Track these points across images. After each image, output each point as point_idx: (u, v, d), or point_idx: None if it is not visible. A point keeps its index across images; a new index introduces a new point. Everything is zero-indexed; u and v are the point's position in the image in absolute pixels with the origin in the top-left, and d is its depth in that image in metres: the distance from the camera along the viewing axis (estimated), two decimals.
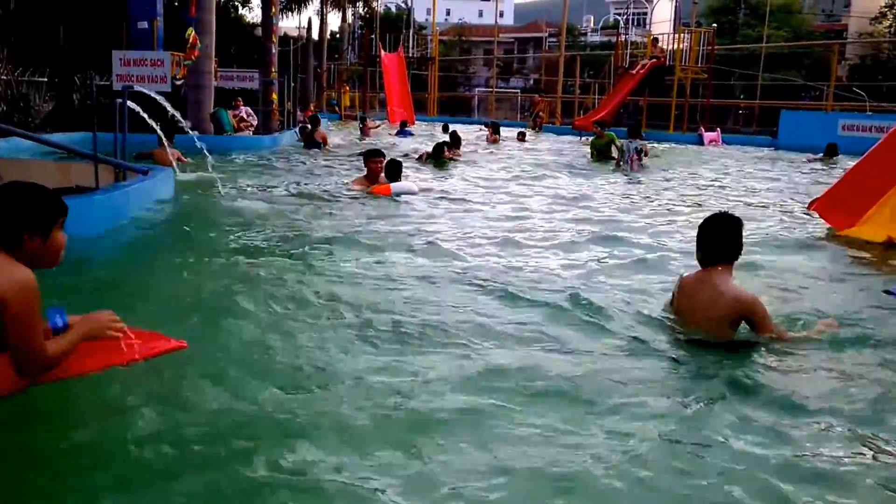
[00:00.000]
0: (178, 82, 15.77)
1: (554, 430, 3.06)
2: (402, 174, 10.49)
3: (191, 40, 16.64)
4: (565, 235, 7.66)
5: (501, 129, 23.94)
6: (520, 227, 8.01)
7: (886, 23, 57.43)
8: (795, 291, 5.50)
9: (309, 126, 19.15)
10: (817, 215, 8.83)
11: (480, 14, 77.42)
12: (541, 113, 34.14)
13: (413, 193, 9.96)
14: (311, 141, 17.80)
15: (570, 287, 5.26)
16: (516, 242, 7.14)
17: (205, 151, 10.09)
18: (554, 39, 54.73)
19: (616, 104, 29.73)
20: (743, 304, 4.10)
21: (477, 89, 49.77)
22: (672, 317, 4.43)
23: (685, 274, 4.52)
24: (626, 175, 14.35)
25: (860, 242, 7.58)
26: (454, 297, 4.99)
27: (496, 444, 2.91)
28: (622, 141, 15.81)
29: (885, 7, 58.54)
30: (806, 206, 9.65)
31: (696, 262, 4.39)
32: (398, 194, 9.73)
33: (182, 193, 9.07)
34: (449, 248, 6.61)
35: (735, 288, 4.18)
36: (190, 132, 11.21)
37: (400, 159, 10.86)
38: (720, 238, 4.25)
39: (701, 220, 4.40)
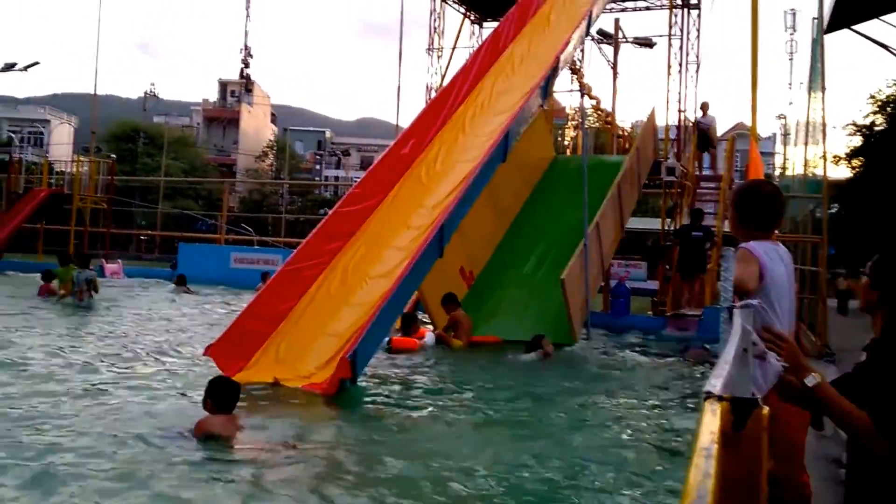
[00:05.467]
0: None
1: None
2: None
3: None
4: None
5: None
6: None
7: (269, 161, 65.58)
8: None
9: None
10: (213, 362, 9.10)
11: None
12: None
13: None
14: None
15: None
16: None
17: None
18: None
19: (10, 230, 27.97)
20: None
21: None
22: None
23: None
24: (77, 305, 15.27)
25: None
26: None
27: None
28: (75, 271, 16.08)
29: (267, 147, 66.91)
30: (203, 351, 9.65)
31: None
32: None
33: None
34: None
35: None
36: None
37: None
38: None
39: None
